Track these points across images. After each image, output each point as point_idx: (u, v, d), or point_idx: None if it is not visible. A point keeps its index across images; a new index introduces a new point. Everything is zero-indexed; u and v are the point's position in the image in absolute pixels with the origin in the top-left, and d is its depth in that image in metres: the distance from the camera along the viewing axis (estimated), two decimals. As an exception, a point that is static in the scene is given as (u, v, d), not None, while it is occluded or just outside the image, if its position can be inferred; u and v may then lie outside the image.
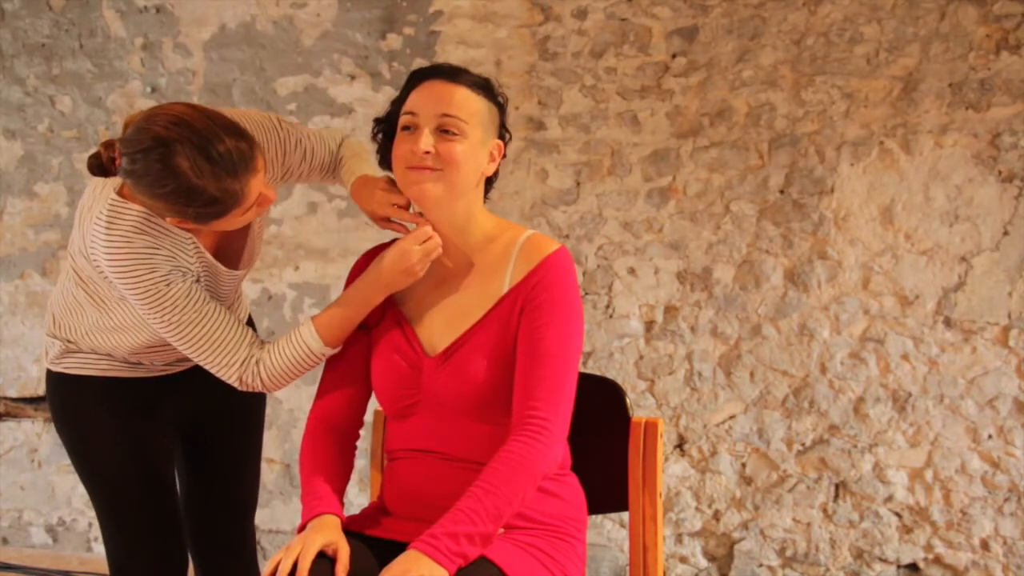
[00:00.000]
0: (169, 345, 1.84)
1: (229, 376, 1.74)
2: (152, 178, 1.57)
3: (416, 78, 1.65)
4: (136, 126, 1.60)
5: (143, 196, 1.62)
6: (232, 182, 1.60)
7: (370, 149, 1.87)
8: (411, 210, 1.74)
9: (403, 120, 1.63)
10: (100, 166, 1.66)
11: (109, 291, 1.79)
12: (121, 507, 1.97)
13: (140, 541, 1.98)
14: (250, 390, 1.76)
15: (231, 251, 1.89)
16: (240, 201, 1.63)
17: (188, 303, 1.69)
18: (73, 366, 1.95)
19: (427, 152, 1.58)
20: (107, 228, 1.66)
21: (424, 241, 1.65)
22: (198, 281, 1.77)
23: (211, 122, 1.59)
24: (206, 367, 1.75)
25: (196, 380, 1.98)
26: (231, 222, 1.69)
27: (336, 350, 1.74)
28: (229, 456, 2.13)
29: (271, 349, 1.73)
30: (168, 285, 1.68)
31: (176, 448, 2.12)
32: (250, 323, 2.17)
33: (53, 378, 1.98)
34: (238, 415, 2.12)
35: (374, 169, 1.85)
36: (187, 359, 1.94)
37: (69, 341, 1.92)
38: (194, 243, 1.75)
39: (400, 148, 1.62)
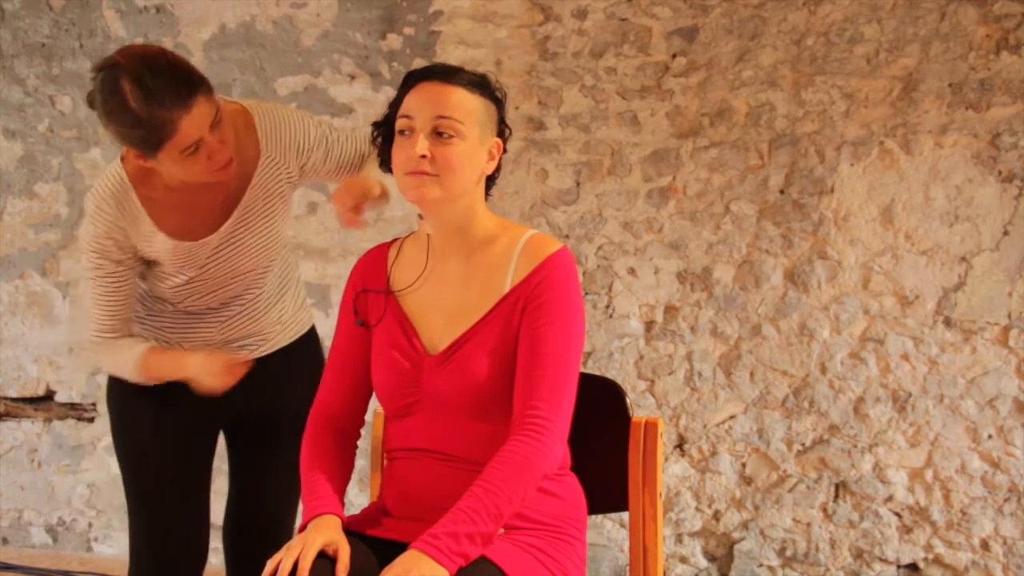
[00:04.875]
0: (187, 328, 2.01)
1: (89, 336, 1.96)
2: (102, 98, 1.73)
3: (411, 80, 1.64)
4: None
5: (102, 121, 1.77)
6: (161, 112, 1.69)
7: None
8: (415, 212, 1.74)
9: (399, 124, 1.62)
10: (90, 94, 1.79)
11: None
12: (147, 496, 2.03)
13: (160, 533, 2.03)
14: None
15: (202, 219, 1.96)
16: (172, 133, 1.71)
17: (106, 279, 1.90)
18: None
19: (423, 156, 1.58)
20: (98, 184, 1.89)
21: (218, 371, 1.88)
22: (138, 262, 1.93)
23: (165, 59, 1.73)
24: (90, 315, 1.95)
25: (245, 376, 2.04)
26: (186, 167, 1.78)
27: (148, 381, 1.97)
28: (272, 454, 2.14)
29: (114, 344, 1.95)
30: (104, 256, 1.88)
31: (226, 440, 2.18)
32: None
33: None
34: (285, 413, 2.13)
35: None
36: (231, 349, 2.06)
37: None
38: (152, 227, 1.89)
39: (398, 154, 1.62)
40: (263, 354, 2.11)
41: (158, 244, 1.91)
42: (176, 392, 2.02)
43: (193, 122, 1.72)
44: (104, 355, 1.97)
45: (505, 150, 1.70)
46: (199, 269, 1.96)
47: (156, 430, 2.03)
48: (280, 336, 2.14)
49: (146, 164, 1.82)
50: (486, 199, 1.71)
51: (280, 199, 2.01)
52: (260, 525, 2.15)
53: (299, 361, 2.16)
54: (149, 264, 1.97)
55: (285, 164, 1.97)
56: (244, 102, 1.97)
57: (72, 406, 3.69)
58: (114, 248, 1.89)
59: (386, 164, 1.70)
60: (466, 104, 1.60)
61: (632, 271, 3.25)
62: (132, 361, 1.93)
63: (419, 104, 1.60)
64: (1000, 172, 2.98)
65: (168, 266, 1.95)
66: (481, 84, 1.64)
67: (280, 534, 2.17)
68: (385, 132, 1.69)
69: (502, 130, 1.69)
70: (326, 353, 1.87)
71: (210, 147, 1.77)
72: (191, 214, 1.92)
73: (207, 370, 1.90)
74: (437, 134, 1.58)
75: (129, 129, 1.73)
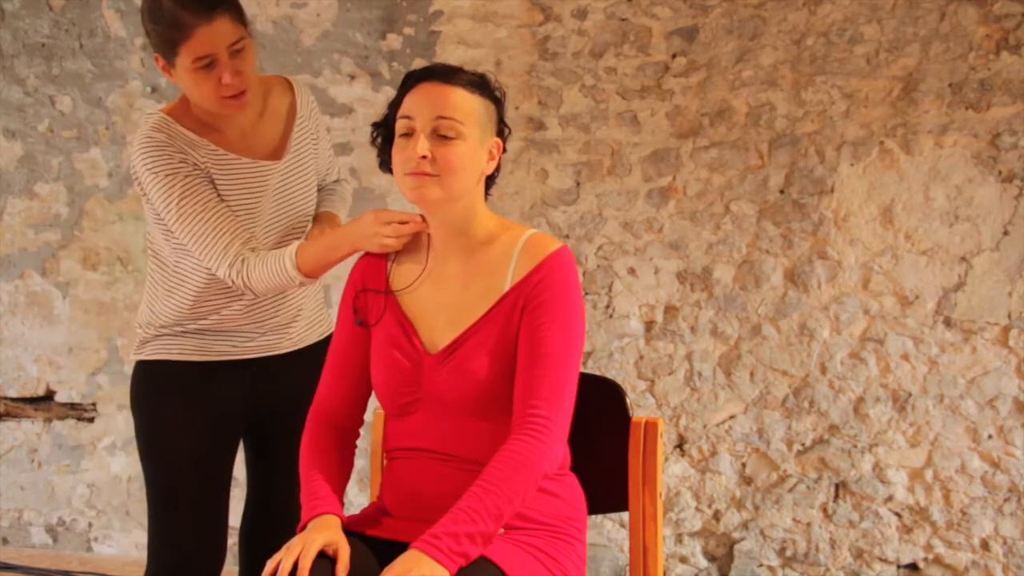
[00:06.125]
0: (222, 295, 2.01)
1: (220, 268, 1.92)
2: (146, 3, 1.89)
3: (411, 80, 1.64)
4: None
5: (142, 23, 1.91)
6: (184, 14, 1.83)
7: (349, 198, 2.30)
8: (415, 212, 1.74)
9: (399, 125, 1.62)
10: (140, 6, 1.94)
11: (161, 236, 2.00)
12: (172, 495, 2.04)
13: (183, 532, 2.04)
14: (237, 287, 1.93)
15: (259, 144, 2.04)
16: (187, 36, 1.83)
17: (192, 193, 1.91)
18: (149, 353, 2.07)
19: (424, 157, 1.58)
20: (137, 133, 1.97)
21: (402, 221, 1.72)
22: (211, 182, 1.95)
23: None
24: (204, 260, 1.93)
25: (267, 369, 2.07)
26: (198, 83, 1.88)
27: (308, 280, 1.89)
28: (293, 458, 2.14)
29: (259, 254, 1.91)
30: (175, 173, 1.91)
31: (246, 441, 2.19)
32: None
33: (134, 367, 2.11)
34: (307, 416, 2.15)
35: (343, 216, 2.21)
36: (256, 339, 2.08)
37: (147, 326, 2.07)
38: (208, 144, 1.96)
39: (398, 154, 1.62)
40: (287, 350, 2.13)
41: (221, 158, 1.97)
42: (201, 391, 2.05)
43: (211, 34, 1.84)
44: (256, 271, 1.90)
45: (505, 149, 1.70)
46: (269, 201, 2.02)
47: (183, 428, 2.04)
48: (304, 333, 2.16)
49: (171, 78, 1.92)
50: (486, 198, 1.71)
51: (312, 160, 2.12)
52: (280, 528, 2.15)
53: (323, 364, 2.19)
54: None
55: (312, 132, 2.11)
56: (293, 79, 2.15)
57: (72, 406, 3.69)
58: (186, 164, 1.93)
59: (385, 164, 1.70)
60: (466, 104, 1.61)
61: (632, 271, 3.25)
62: (288, 260, 1.87)
63: (419, 105, 1.60)
64: (1000, 172, 2.98)
65: (236, 192, 1.98)
66: (481, 84, 1.65)
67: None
68: (384, 132, 1.69)
69: (501, 129, 1.69)
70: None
71: (223, 69, 1.86)
72: (244, 146, 2.01)
73: (373, 231, 1.77)
74: (437, 135, 1.59)
75: (154, 25, 1.87)
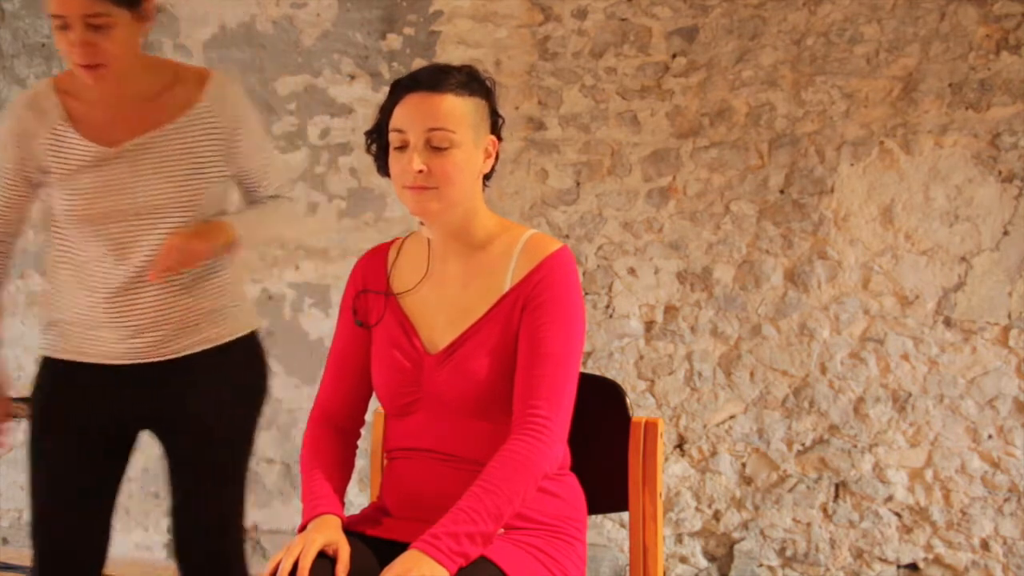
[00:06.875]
0: (75, 282, 2.00)
1: None
2: None
3: (399, 91, 1.62)
4: None
5: None
6: None
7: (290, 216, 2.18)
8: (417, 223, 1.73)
9: (392, 138, 1.60)
10: None
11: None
12: (35, 493, 2.13)
13: (47, 523, 2.13)
14: None
15: (120, 130, 1.96)
16: None
17: None
18: (41, 347, 2.10)
19: (420, 171, 1.57)
20: None
21: None
22: (38, 167, 1.96)
23: None
24: None
25: (143, 377, 2.00)
26: (58, 41, 1.85)
27: None
28: (199, 467, 2.05)
29: None
30: (4, 146, 1.97)
31: (128, 449, 2.14)
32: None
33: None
34: (215, 435, 2.05)
35: (248, 231, 2.03)
36: (124, 342, 1.99)
37: (43, 316, 2.08)
38: (64, 122, 1.94)
39: (395, 166, 1.61)
40: (164, 358, 2.00)
41: (67, 142, 1.94)
42: (75, 393, 2.05)
43: (81, 2, 1.81)
44: None
45: (501, 138, 1.68)
46: (104, 182, 1.95)
47: (55, 431, 2.05)
48: (185, 341, 2.00)
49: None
50: (483, 191, 1.70)
51: (206, 156, 1.97)
52: (195, 536, 2.07)
53: (227, 371, 2.05)
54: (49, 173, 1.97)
55: (224, 130, 1.98)
56: (218, 73, 2.03)
57: (72, 406, 3.69)
58: (22, 141, 1.95)
59: (383, 170, 1.70)
60: (456, 111, 1.58)
61: (632, 271, 3.25)
62: None
63: (409, 118, 1.58)
64: (1000, 172, 2.98)
65: (72, 173, 1.95)
66: (468, 83, 1.61)
67: (217, 559, 2.07)
68: (379, 140, 1.68)
69: (495, 122, 1.67)
70: (312, 360, 1.85)
71: (74, 36, 1.83)
72: (110, 123, 1.95)
73: None
74: (431, 146, 1.57)
75: None
